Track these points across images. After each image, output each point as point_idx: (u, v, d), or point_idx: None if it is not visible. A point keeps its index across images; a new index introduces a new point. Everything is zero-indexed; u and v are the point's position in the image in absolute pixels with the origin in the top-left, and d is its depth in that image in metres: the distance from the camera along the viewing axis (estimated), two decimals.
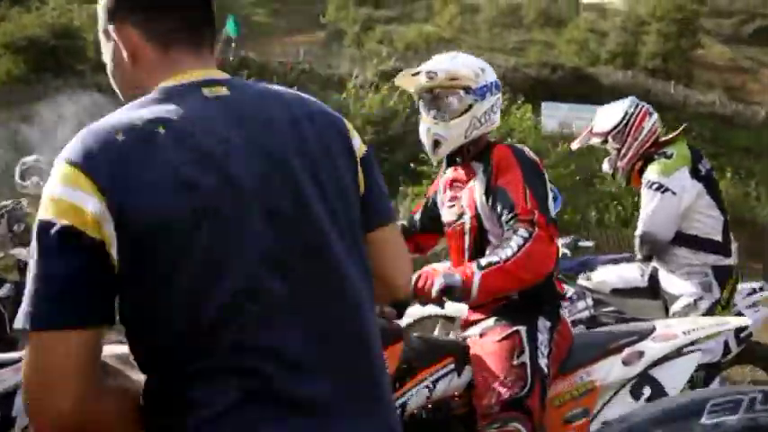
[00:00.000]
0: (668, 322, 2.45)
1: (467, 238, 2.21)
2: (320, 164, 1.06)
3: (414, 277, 1.85)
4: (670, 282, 3.13)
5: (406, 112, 17.00)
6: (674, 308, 3.07)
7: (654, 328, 2.33)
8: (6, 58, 18.37)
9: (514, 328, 2.08)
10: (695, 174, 3.06)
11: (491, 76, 2.23)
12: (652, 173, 3.07)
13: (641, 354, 2.22)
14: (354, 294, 1.04)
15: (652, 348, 2.24)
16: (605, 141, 3.29)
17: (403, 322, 1.93)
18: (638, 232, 3.13)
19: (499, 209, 2.05)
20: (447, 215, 2.31)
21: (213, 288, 0.92)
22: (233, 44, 21.93)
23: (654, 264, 3.25)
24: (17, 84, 17.76)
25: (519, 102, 14.39)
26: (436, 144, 2.23)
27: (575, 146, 3.47)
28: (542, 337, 2.11)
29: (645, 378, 2.21)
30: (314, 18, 36.30)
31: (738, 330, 2.94)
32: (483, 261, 1.90)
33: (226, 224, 0.94)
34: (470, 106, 2.18)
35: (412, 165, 14.06)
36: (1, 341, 4.83)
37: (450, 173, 2.33)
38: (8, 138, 16.28)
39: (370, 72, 19.36)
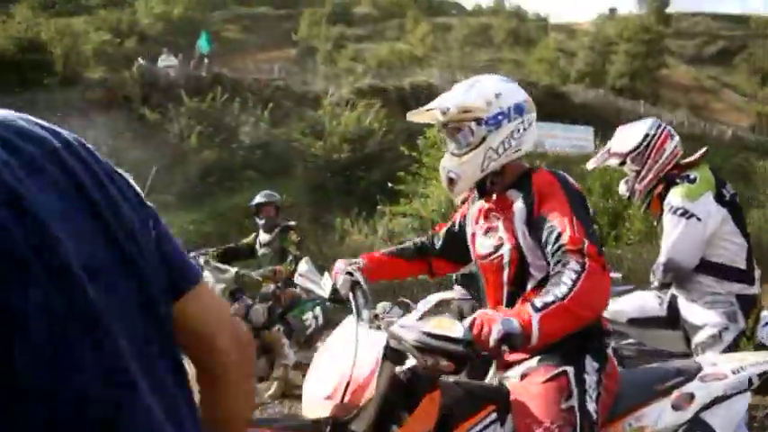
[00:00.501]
0: (713, 359, 2.29)
1: (505, 271, 2.03)
2: None
3: (467, 322, 1.64)
4: (692, 311, 2.96)
5: (383, 131, 16.90)
6: (698, 339, 2.90)
7: (700, 367, 2.17)
8: None
9: (561, 369, 1.90)
10: (719, 199, 2.91)
11: (510, 99, 2.04)
12: (676, 198, 2.92)
13: (692, 397, 2.06)
14: None
15: (702, 390, 2.09)
16: (623, 163, 3.14)
17: (418, 313, 1.78)
18: (661, 259, 2.95)
19: (544, 239, 1.88)
20: (482, 247, 2.13)
21: None
22: (206, 60, 21.66)
23: (673, 291, 3.09)
24: None
25: None
26: (451, 181, 2.08)
27: (590, 165, 3.30)
28: (590, 380, 1.92)
29: (696, 423, 2.06)
30: (285, 35, 36.21)
31: None
32: (537, 302, 1.70)
33: None
34: (484, 138, 2.02)
35: (389, 184, 13.92)
36: None
37: (483, 203, 2.16)
38: None
39: (345, 89, 19.25)
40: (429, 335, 1.59)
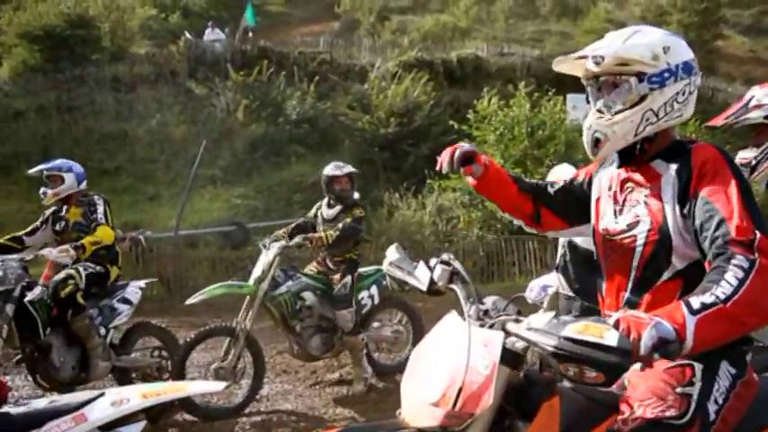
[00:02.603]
0: None
1: (637, 253, 1.77)
2: None
3: (611, 322, 1.40)
4: None
5: (430, 104, 16.56)
6: None
7: None
8: (22, 47, 18.03)
9: (688, 362, 1.68)
10: None
11: (679, 55, 1.77)
12: None
13: None
14: None
15: None
16: None
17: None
18: None
19: (699, 224, 1.63)
20: (610, 221, 1.87)
21: None
22: (250, 34, 21.51)
23: None
24: (33, 73, 17.42)
25: (549, 94, 13.85)
26: (597, 143, 1.81)
27: (720, 122, 2.82)
28: (721, 383, 1.70)
29: None
30: (328, 8, 35.80)
31: None
32: (694, 302, 1.46)
33: None
34: (644, 96, 1.76)
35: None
36: (38, 349, 4.54)
37: (621, 170, 1.90)
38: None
39: (391, 62, 18.89)
40: (573, 341, 1.35)
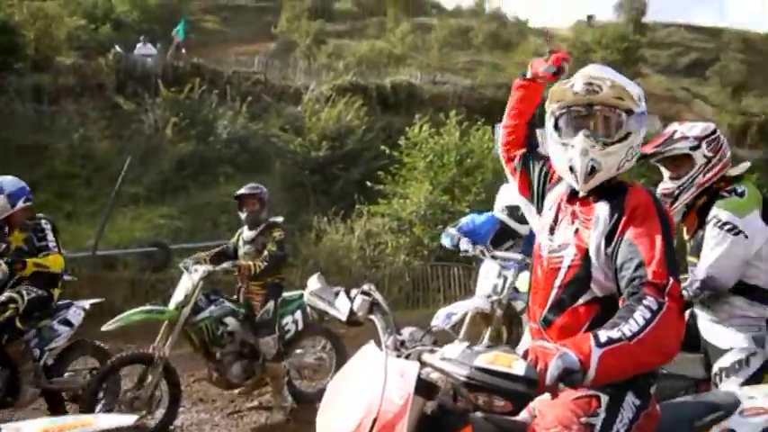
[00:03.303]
0: (749, 392, 2.15)
1: (561, 273, 1.85)
2: None
3: (521, 353, 1.44)
4: (716, 333, 2.81)
5: (362, 129, 16.66)
6: (722, 363, 2.75)
7: (738, 401, 2.04)
8: None
9: (595, 393, 1.74)
10: (765, 217, 2.76)
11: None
12: (724, 211, 2.73)
13: None
14: None
15: (743, 426, 1.99)
16: (697, 147, 2.86)
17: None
18: (699, 275, 2.75)
19: (620, 263, 1.70)
20: (545, 238, 1.94)
21: None
22: (183, 50, 21.17)
23: (697, 311, 2.93)
24: None
25: (479, 123, 14.21)
26: (592, 171, 1.82)
27: (649, 150, 2.92)
28: (625, 414, 1.77)
29: None
30: (265, 28, 35.71)
31: None
32: (602, 336, 1.52)
33: None
34: (629, 134, 1.82)
35: (368, 183, 13.71)
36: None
37: (565, 194, 1.96)
38: None
39: (325, 86, 18.94)
40: (483, 371, 1.39)
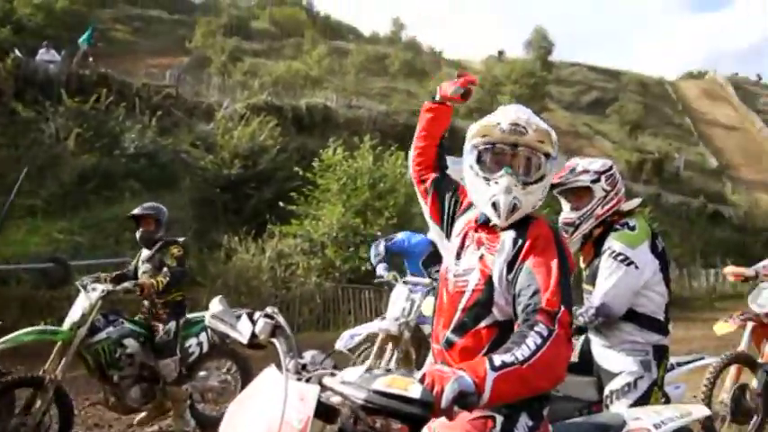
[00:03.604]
0: (635, 413, 2.29)
1: (465, 297, 1.92)
2: None
3: (418, 376, 1.48)
4: (607, 358, 2.99)
5: (276, 149, 16.54)
6: (612, 386, 2.92)
7: (624, 422, 2.17)
8: None
9: (491, 414, 1.81)
10: (653, 250, 2.96)
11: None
12: (617, 243, 2.91)
13: None
14: None
15: None
16: (597, 180, 3.03)
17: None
18: (595, 302, 2.92)
19: (518, 289, 1.79)
20: (452, 262, 2.00)
21: None
22: (90, 59, 20.37)
23: (590, 336, 3.10)
24: None
25: (392, 148, 14.43)
26: (514, 209, 1.90)
27: (554, 180, 3.00)
28: None
29: None
30: (179, 42, 34.98)
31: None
32: (496, 360, 1.58)
33: None
34: (544, 176, 1.91)
35: (280, 203, 13.60)
36: None
37: (473, 222, 2.02)
38: None
39: (239, 104, 18.72)
40: (381, 394, 1.41)
